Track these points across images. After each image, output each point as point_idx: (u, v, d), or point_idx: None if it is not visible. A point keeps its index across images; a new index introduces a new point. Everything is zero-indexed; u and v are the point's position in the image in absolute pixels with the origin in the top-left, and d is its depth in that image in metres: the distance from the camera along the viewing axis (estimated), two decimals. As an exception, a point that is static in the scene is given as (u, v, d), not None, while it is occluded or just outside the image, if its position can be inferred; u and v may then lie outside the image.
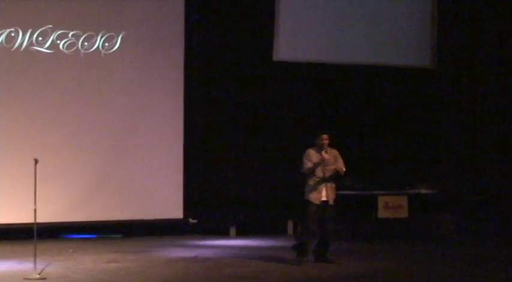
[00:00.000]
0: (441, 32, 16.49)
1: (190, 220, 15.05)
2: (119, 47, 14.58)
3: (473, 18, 16.45)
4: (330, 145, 11.18)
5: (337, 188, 11.43)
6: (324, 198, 11.07)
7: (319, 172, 11.09)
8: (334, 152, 11.24)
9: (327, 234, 11.20)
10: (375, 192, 14.56)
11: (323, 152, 11.05)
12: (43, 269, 10.52)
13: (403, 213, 14.46)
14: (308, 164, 11.11)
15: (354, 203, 14.35)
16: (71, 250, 12.67)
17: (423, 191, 14.96)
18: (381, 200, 14.37)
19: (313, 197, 11.10)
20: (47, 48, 14.17)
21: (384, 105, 16.43)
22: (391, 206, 14.38)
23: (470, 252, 12.95)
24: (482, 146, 16.47)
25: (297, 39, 15.70)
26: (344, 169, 11.25)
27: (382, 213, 14.30)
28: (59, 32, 14.22)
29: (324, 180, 11.06)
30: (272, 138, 15.35)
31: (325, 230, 11.15)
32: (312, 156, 11.13)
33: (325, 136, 11.12)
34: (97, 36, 14.46)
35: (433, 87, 16.72)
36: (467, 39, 16.47)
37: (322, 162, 11.04)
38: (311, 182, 11.13)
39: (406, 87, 16.57)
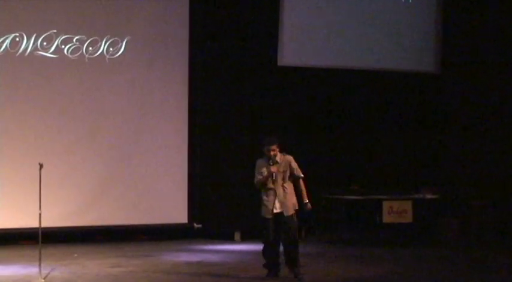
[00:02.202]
0: (445, 36, 16.50)
1: (195, 224, 15.06)
2: (123, 52, 14.59)
3: (477, 22, 16.43)
4: (282, 151, 10.40)
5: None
6: (276, 210, 10.33)
7: (269, 184, 10.34)
8: (288, 158, 10.42)
9: (292, 248, 10.37)
10: (380, 197, 14.55)
11: (270, 165, 10.26)
12: (48, 274, 10.55)
13: (408, 218, 14.46)
14: (257, 177, 10.39)
15: (359, 208, 14.35)
16: (75, 254, 12.69)
17: (427, 196, 14.96)
18: (386, 205, 14.36)
19: (265, 211, 10.38)
20: (51, 53, 14.19)
21: (388, 110, 16.42)
22: (395, 210, 14.38)
23: (474, 256, 12.94)
24: (487, 150, 16.45)
25: (301, 45, 15.71)
26: (302, 175, 10.47)
27: (386, 218, 14.30)
28: (63, 37, 14.24)
29: (274, 192, 10.32)
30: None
31: (289, 243, 10.38)
32: (260, 168, 10.38)
33: (271, 147, 10.30)
34: (101, 41, 14.47)
35: (437, 92, 16.71)
36: (472, 43, 16.46)
37: (270, 175, 10.30)
38: (263, 195, 10.46)
39: (410, 92, 16.57)
